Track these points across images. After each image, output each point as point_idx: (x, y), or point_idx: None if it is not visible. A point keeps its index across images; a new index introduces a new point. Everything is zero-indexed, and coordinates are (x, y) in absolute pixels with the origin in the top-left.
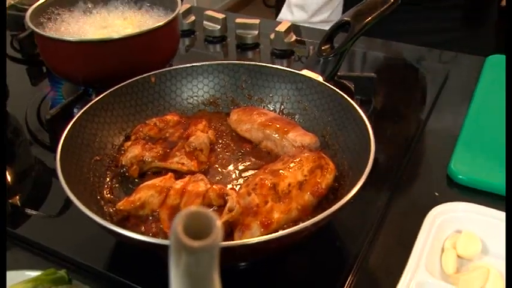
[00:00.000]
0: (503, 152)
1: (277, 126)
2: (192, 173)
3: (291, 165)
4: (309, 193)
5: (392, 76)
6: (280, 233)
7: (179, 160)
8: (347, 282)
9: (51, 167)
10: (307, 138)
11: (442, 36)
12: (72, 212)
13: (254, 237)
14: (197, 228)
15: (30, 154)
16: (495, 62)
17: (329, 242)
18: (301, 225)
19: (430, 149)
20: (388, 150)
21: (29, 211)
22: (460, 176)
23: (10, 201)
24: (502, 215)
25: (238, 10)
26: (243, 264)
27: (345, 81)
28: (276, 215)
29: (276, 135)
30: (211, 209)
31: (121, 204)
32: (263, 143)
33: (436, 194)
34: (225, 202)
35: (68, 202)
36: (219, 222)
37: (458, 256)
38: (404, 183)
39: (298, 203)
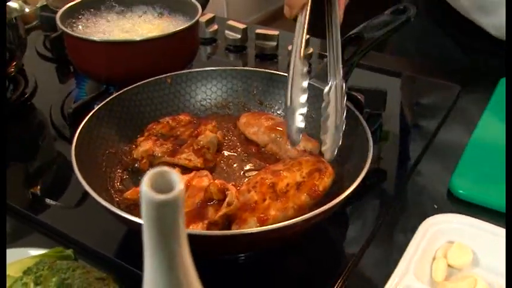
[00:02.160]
0: (503, 171)
1: (283, 130)
2: (198, 169)
3: (291, 166)
4: (305, 194)
5: (404, 91)
6: (271, 226)
7: (187, 156)
8: (338, 282)
9: (72, 161)
10: (309, 144)
11: (458, 56)
12: (88, 204)
13: None
14: (163, 186)
15: (53, 147)
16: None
17: (327, 244)
18: (292, 220)
19: (435, 163)
20: (394, 162)
21: (48, 201)
22: (460, 191)
23: (31, 190)
24: (495, 229)
25: (268, 24)
26: (241, 257)
27: (355, 94)
28: (273, 212)
29: (281, 139)
30: (212, 203)
31: (128, 194)
32: (268, 146)
33: (435, 206)
34: (225, 197)
35: (85, 195)
36: (180, 180)
37: (449, 265)
38: (405, 194)
39: (295, 203)
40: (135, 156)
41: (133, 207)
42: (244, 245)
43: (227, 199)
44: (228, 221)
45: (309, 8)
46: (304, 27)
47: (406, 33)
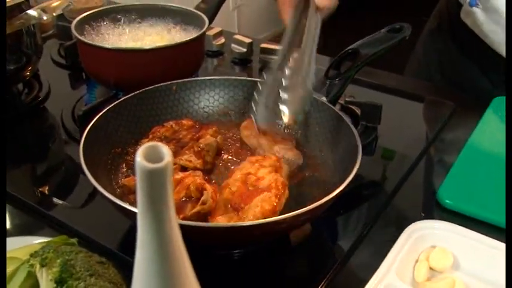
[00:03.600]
0: (490, 184)
1: (270, 137)
2: (197, 170)
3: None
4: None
5: (400, 106)
6: (256, 221)
7: (188, 158)
8: (324, 280)
9: (80, 163)
10: (290, 153)
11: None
12: (94, 204)
13: None
14: (154, 157)
15: (62, 149)
16: (500, 104)
17: (318, 244)
18: (279, 217)
19: (425, 175)
20: (386, 172)
21: (55, 200)
22: (447, 200)
23: (40, 189)
24: (476, 236)
25: (277, 42)
26: (236, 253)
27: (352, 107)
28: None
29: (266, 145)
30: (191, 199)
31: (126, 181)
32: (257, 150)
33: (422, 214)
34: (202, 195)
35: (92, 195)
36: (169, 153)
37: (431, 268)
38: (395, 202)
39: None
40: None
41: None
42: (224, 239)
43: (202, 198)
44: (204, 218)
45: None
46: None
47: (433, 60)
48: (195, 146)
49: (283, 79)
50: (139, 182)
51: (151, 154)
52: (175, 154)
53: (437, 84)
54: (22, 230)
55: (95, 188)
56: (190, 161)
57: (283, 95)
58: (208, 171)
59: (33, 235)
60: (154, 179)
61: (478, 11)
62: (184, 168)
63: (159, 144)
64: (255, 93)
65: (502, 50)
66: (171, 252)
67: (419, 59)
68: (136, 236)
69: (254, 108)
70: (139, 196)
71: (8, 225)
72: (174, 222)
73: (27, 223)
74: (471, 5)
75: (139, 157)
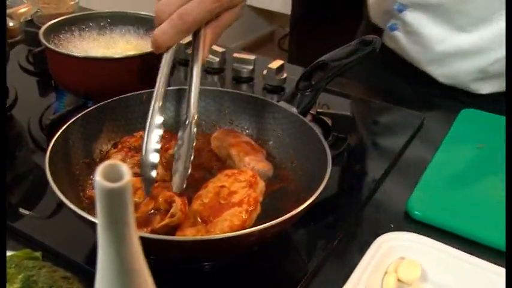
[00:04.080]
0: (457, 195)
1: (241, 148)
2: (165, 181)
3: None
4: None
5: (370, 117)
6: (226, 234)
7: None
8: None
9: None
10: (260, 165)
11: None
12: (61, 215)
13: None
14: (114, 176)
15: (30, 158)
16: (468, 116)
17: (288, 257)
18: (249, 229)
19: (395, 187)
20: (356, 183)
21: (22, 211)
22: (416, 212)
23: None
24: (444, 247)
25: (254, 50)
26: (206, 266)
27: (323, 118)
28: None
29: (236, 156)
30: (159, 212)
31: (92, 192)
32: (227, 162)
33: (392, 225)
34: (171, 208)
35: (59, 206)
36: (128, 172)
37: (399, 280)
38: (364, 214)
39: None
40: None
41: None
42: (191, 252)
43: (171, 210)
44: (172, 231)
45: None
46: (165, 71)
47: (375, 77)
48: (163, 157)
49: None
50: (98, 201)
51: (110, 173)
52: None
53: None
54: None
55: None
56: (157, 173)
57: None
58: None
59: None
60: (114, 198)
61: (399, 34)
62: None
63: (118, 162)
64: None
65: (428, 69)
66: (132, 271)
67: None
68: None
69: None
70: (99, 215)
71: None
72: (135, 241)
73: None
74: (392, 30)
75: (98, 176)
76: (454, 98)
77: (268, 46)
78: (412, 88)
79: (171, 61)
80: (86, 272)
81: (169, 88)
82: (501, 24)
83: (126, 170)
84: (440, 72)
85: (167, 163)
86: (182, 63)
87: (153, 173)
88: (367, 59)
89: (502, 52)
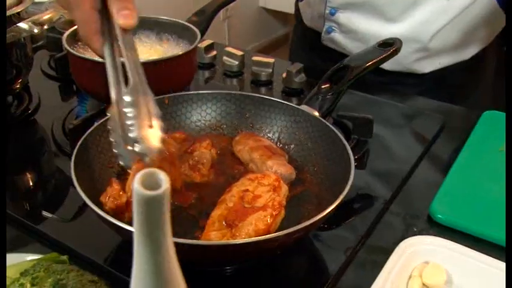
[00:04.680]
0: (482, 198)
1: (263, 152)
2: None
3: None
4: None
5: (391, 120)
6: (249, 239)
7: (183, 171)
8: None
9: (70, 176)
10: (282, 168)
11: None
12: (83, 218)
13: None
14: (152, 184)
15: (52, 162)
16: (490, 118)
17: (309, 261)
18: (272, 234)
19: (417, 190)
20: (378, 186)
21: (45, 213)
22: (439, 216)
23: (29, 202)
24: (468, 251)
25: (268, 53)
26: (228, 270)
27: (344, 120)
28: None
29: (259, 160)
30: None
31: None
32: (249, 165)
33: (415, 229)
34: None
35: (81, 209)
36: (167, 180)
37: (424, 284)
38: (388, 217)
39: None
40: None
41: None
42: (216, 256)
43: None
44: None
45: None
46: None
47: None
48: (190, 159)
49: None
50: (135, 209)
51: (148, 181)
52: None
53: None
54: (10, 244)
55: (84, 202)
56: (186, 175)
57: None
58: (204, 184)
59: (22, 250)
60: (152, 206)
61: (336, 35)
62: None
63: (157, 170)
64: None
65: None
66: (167, 278)
67: None
68: (129, 250)
69: (117, 151)
70: (136, 223)
71: None
72: (171, 248)
73: (15, 237)
74: (329, 32)
75: (137, 184)
76: (402, 84)
77: (282, 48)
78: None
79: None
80: (109, 274)
81: (186, 93)
82: (432, 2)
83: (164, 178)
84: None
85: (194, 165)
86: (201, 66)
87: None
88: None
89: (437, 26)
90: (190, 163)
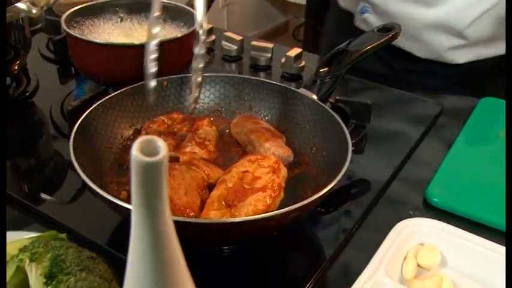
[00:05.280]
0: (477, 183)
1: (261, 134)
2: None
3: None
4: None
5: (389, 106)
6: (246, 218)
7: (191, 149)
8: (314, 277)
9: (68, 158)
10: (280, 150)
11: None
12: (82, 200)
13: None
14: (150, 151)
15: (50, 145)
16: (487, 104)
17: (307, 241)
18: (269, 213)
19: (413, 174)
20: (375, 170)
21: (44, 196)
22: (435, 199)
23: (28, 184)
24: (463, 233)
25: (268, 40)
26: (226, 249)
27: (342, 105)
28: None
29: (256, 141)
30: None
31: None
32: (247, 148)
33: (411, 212)
34: None
35: (80, 191)
36: (165, 147)
37: (419, 265)
38: (384, 200)
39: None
40: None
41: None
42: (214, 234)
43: None
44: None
45: None
46: None
47: None
48: (196, 137)
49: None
50: (134, 176)
51: (147, 148)
52: (177, 148)
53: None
54: (10, 225)
55: (83, 184)
56: (195, 152)
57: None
58: (212, 161)
59: (22, 230)
60: (150, 172)
61: (370, 17)
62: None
63: (155, 137)
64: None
65: (401, 44)
66: (165, 245)
67: None
68: (126, 231)
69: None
70: (134, 190)
71: None
72: (168, 216)
73: (15, 218)
74: (362, 13)
75: (135, 150)
76: (433, 72)
77: (282, 36)
78: (391, 66)
79: None
80: (108, 253)
81: (185, 75)
82: None
83: (162, 145)
84: (417, 46)
85: (201, 142)
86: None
87: (153, 82)
88: None
89: (474, 14)
90: (197, 140)
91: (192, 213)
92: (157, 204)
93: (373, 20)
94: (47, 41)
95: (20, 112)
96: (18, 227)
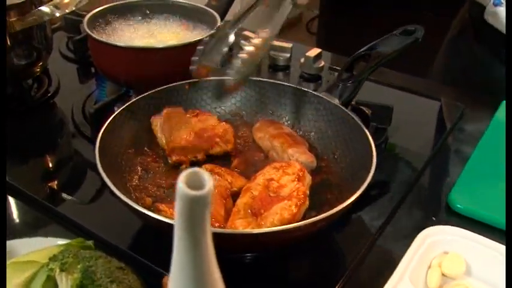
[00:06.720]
0: (500, 189)
1: (284, 140)
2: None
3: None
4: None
5: (410, 108)
6: (272, 228)
7: (217, 142)
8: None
9: (89, 158)
10: (303, 157)
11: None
12: (101, 200)
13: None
14: (195, 184)
15: (71, 145)
16: None
17: (328, 250)
18: (295, 224)
19: (436, 179)
20: (397, 176)
21: (64, 195)
22: (458, 205)
23: (49, 184)
24: (488, 242)
25: (280, 33)
26: (248, 257)
27: (363, 108)
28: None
29: (280, 147)
30: None
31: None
32: (270, 153)
33: (434, 218)
34: None
35: (99, 191)
36: (210, 180)
37: (443, 274)
38: (406, 206)
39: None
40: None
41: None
42: (240, 244)
43: None
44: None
45: None
46: None
47: (456, 64)
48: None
49: (242, 41)
50: (178, 208)
51: (192, 180)
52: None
53: (460, 87)
54: (30, 226)
55: (103, 184)
56: (220, 146)
57: (242, 54)
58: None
59: (41, 231)
60: (195, 205)
61: (502, 10)
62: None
63: (201, 170)
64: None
65: None
66: (206, 275)
67: (444, 63)
68: (149, 234)
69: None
70: (178, 220)
71: (16, 220)
72: (210, 244)
73: (35, 219)
74: (495, 5)
75: (181, 183)
76: None
77: (295, 29)
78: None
79: None
80: (130, 257)
81: (207, 79)
82: None
83: (208, 178)
84: None
85: (222, 135)
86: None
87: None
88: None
89: None
90: (220, 134)
91: (217, 224)
92: (200, 234)
93: (504, 14)
94: (67, 40)
95: (41, 112)
96: (38, 228)
